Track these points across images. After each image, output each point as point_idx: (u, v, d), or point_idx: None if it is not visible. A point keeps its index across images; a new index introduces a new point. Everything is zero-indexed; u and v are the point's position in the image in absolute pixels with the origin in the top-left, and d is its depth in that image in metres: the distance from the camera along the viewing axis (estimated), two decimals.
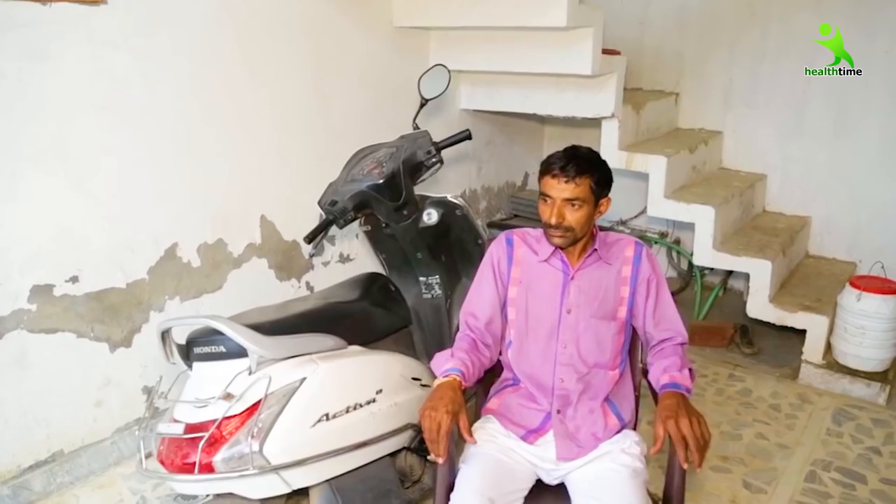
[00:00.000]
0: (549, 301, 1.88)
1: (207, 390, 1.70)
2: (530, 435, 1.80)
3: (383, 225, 2.31)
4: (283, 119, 2.81)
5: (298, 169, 2.90)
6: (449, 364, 1.71)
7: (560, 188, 1.75)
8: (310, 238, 2.26)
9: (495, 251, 1.95)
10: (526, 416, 1.83)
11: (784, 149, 4.04)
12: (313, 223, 2.80)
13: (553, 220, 1.76)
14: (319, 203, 2.26)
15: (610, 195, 1.86)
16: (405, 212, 2.23)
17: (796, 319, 3.33)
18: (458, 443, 1.70)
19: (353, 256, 3.27)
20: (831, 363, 3.29)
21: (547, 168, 1.79)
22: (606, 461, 1.73)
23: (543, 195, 1.80)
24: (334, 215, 2.19)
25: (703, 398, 3.10)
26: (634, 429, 1.91)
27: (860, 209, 3.89)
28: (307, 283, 3.07)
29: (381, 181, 2.16)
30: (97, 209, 2.30)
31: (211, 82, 2.52)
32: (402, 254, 2.37)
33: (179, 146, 2.48)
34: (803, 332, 3.33)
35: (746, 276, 3.51)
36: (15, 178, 2.09)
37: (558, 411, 1.82)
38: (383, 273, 2.46)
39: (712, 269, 3.88)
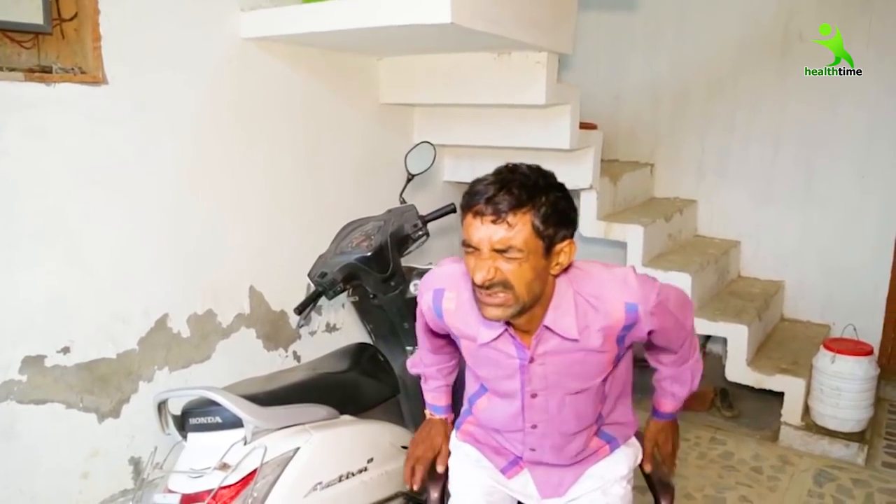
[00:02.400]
0: (506, 384, 1.51)
1: (203, 461, 1.73)
2: (508, 468, 1.65)
3: (371, 296, 2.37)
4: (273, 192, 2.89)
5: (287, 241, 2.96)
6: (438, 403, 1.85)
7: (486, 231, 1.24)
8: (300, 309, 2.32)
9: (426, 315, 1.59)
10: (500, 450, 1.66)
11: (756, 216, 4.19)
12: (301, 293, 2.87)
13: (479, 278, 1.26)
14: (309, 275, 2.32)
15: (574, 239, 1.33)
16: (392, 283, 2.30)
17: (774, 382, 3.41)
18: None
19: (339, 326, 3.31)
20: (810, 425, 3.35)
21: (469, 201, 1.28)
22: (597, 497, 1.60)
23: (466, 244, 1.30)
24: (323, 287, 2.26)
25: (686, 462, 3.13)
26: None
27: (830, 273, 4.02)
28: (294, 353, 3.10)
29: (369, 254, 2.23)
30: (91, 281, 2.34)
31: (205, 157, 2.60)
32: (389, 324, 2.42)
33: (172, 219, 2.54)
34: (781, 394, 3.40)
35: (724, 341, 3.59)
36: (13, 250, 2.14)
37: (532, 449, 1.59)
38: (370, 343, 2.51)
39: None
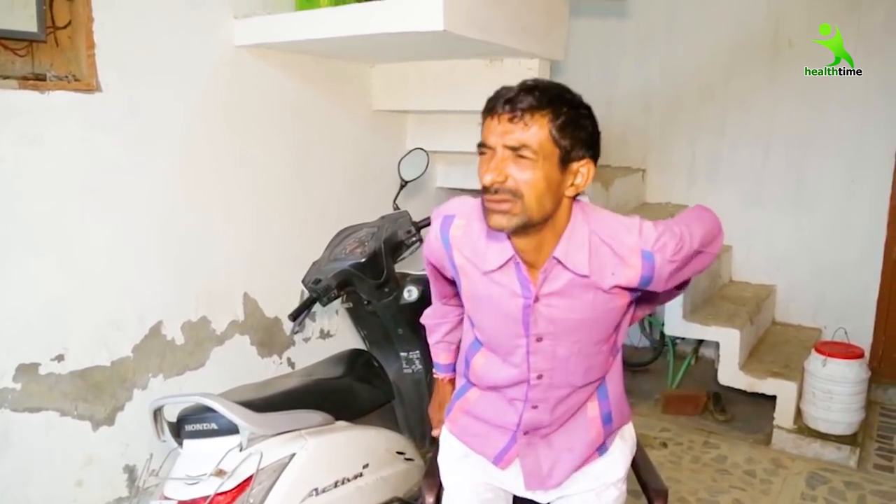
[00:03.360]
0: (509, 325, 1.40)
1: (199, 467, 1.73)
2: (501, 457, 1.55)
3: (365, 302, 2.38)
4: (266, 199, 2.90)
5: (281, 247, 2.97)
6: (438, 360, 1.84)
7: (501, 129, 1.22)
8: (294, 316, 2.32)
9: (431, 249, 1.52)
10: (491, 439, 1.56)
11: (747, 221, 4.22)
12: (295, 300, 2.87)
13: (488, 178, 1.23)
14: (303, 281, 2.33)
15: (593, 161, 1.29)
16: (386, 289, 2.31)
17: (766, 386, 3.43)
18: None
19: (333, 332, 3.31)
20: (802, 428, 3.37)
21: (488, 104, 1.26)
22: (590, 498, 1.55)
23: (482, 147, 1.27)
24: (318, 293, 2.26)
25: (680, 466, 3.15)
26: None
27: (821, 277, 4.06)
28: (288, 360, 3.10)
29: (363, 260, 2.24)
30: (85, 288, 2.34)
31: (198, 164, 2.61)
32: (383, 330, 2.43)
33: (166, 225, 2.54)
34: (774, 397, 3.42)
35: (717, 345, 3.61)
36: (8, 258, 2.13)
37: (525, 433, 1.50)
38: (365, 349, 2.52)
39: (684, 338, 3.98)
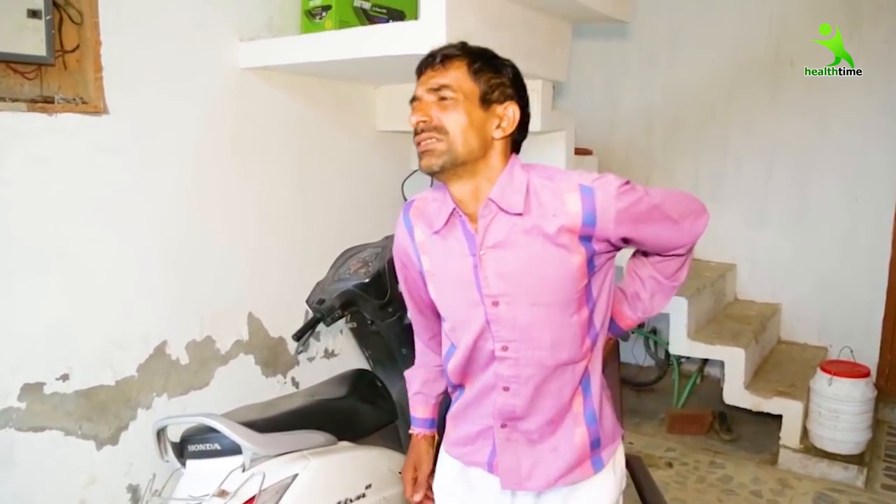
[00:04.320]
0: (466, 291, 1.38)
1: (201, 487, 1.74)
2: (492, 465, 1.47)
3: (369, 322, 2.38)
4: (271, 219, 2.91)
5: (286, 267, 2.98)
6: (415, 414, 1.69)
7: (425, 79, 1.34)
8: (298, 336, 2.33)
9: (398, 241, 1.52)
10: (477, 445, 1.49)
11: (751, 239, 4.23)
12: (299, 319, 2.88)
13: (413, 119, 1.31)
14: (308, 301, 2.34)
15: (518, 105, 1.36)
16: (390, 309, 2.31)
17: (772, 405, 3.41)
18: None
19: (337, 352, 3.32)
20: (809, 447, 3.35)
21: (417, 68, 1.38)
22: None
23: (412, 101, 1.36)
24: (322, 313, 2.27)
25: (685, 486, 3.13)
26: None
27: (826, 295, 4.05)
28: (293, 379, 3.10)
29: (367, 280, 2.25)
30: (90, 308, 2.35)
31: (203, 185, 2.63)
32: (387, 350, 2.43)
33: (171, 246, 2.56)
34: (780, 417, 3.40)
35: (722, 364, 3.60)
36: (13, 278, 2.15)
37: (503, 425, 1.43)
38: (368, 369, 2.52)
39: (689, 357, 3.97)
